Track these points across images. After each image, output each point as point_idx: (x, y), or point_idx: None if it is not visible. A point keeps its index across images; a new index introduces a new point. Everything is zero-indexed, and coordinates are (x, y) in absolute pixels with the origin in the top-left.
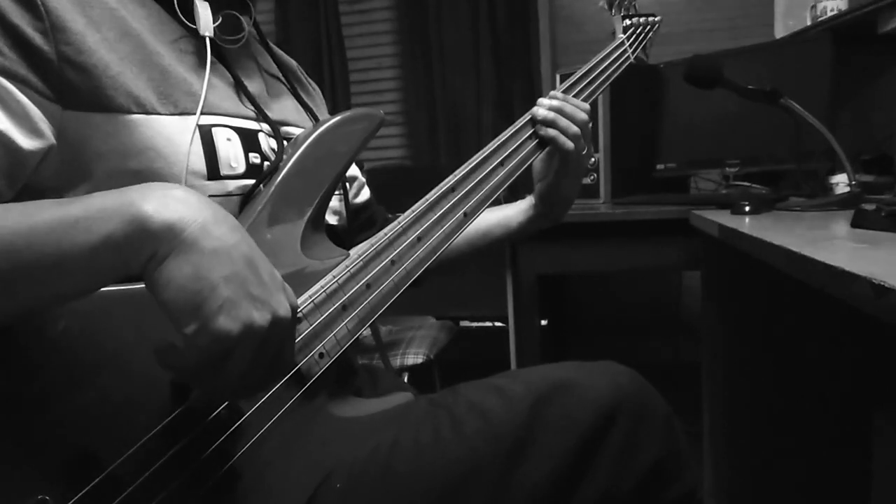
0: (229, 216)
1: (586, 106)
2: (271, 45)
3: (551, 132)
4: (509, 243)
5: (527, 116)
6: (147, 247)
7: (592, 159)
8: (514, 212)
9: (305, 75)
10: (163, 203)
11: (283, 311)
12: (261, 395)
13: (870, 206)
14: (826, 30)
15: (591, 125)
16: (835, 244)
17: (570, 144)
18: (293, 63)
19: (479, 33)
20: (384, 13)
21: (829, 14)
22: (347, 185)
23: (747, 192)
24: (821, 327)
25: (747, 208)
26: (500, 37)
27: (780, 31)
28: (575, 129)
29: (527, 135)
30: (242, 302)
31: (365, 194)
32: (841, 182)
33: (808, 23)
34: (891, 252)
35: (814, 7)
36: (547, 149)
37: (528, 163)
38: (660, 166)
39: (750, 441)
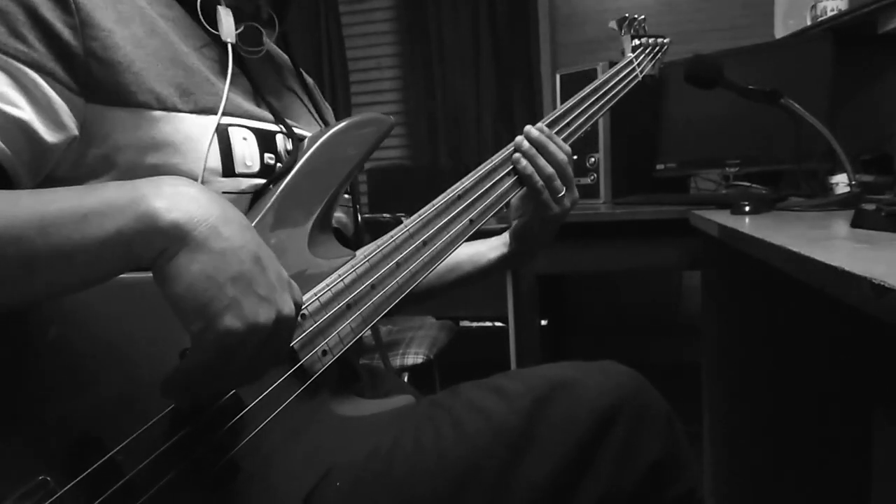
0: (239, 214)
1: (567, 148)
2: (297, 61)
3: (529, 169)
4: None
5: (510, 147)
6: (156, 244)
7: (579, 193)
8: (486, 248)
9: (321, 95)
10: (173, 200)
11: (288, 309)
12: (259, 385)
13: (870, 206)
14: (826, 30)
15: (571, 168)
16: (835, 244)
17: (540, 184)
18: (310, 81)
19: (479, 33)
20: (384, 13)
21: (829, 14)
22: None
23: (747, 192)
24: (821, 327)
25: (747, 208)
26: (500, 37)
27: (780, 31)
28: (550, 170)
29: (507, 170)
30: (248, 301)
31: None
32: (841, 182)
33: (808, 23)
34: (891, 252)
35: (814, 7)
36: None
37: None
38: (660, 166)
39: (750, 441)
